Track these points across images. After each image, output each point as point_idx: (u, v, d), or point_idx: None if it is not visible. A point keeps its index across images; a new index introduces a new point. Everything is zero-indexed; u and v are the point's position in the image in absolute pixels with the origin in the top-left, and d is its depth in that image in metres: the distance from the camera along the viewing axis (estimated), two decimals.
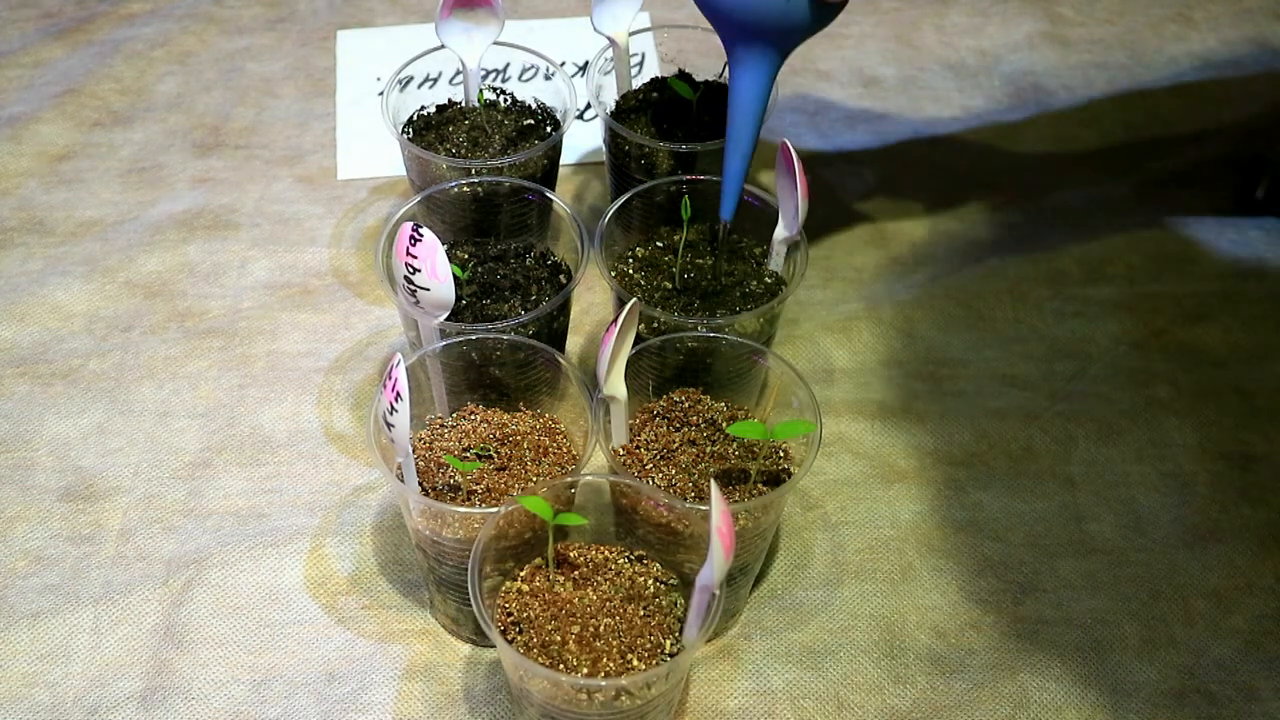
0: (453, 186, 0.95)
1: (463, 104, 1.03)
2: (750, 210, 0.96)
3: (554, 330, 0.92)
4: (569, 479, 0.78)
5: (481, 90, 1.03)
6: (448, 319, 0.84)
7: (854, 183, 1.16)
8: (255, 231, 1.10)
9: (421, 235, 0.80)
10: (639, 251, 0.94)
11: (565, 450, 0.83)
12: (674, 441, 0.82)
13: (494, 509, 0.76)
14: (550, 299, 0.90)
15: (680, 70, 1.07)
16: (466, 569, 0.73)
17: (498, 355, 0.86)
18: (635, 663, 0.71)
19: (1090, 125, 1.22)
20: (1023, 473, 0.94)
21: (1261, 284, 1.08)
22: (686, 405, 0.85)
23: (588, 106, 1.19)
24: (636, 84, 1.07)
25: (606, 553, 0.78)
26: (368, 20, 1.30)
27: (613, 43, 1.03)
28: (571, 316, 0.96)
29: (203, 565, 0.87)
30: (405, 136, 1.00)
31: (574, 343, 1.00)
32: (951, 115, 1.23)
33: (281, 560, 0.88)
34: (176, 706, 0.81)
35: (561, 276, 0.93)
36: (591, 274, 0.92)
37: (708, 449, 0.82)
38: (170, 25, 1.29)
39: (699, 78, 1.05)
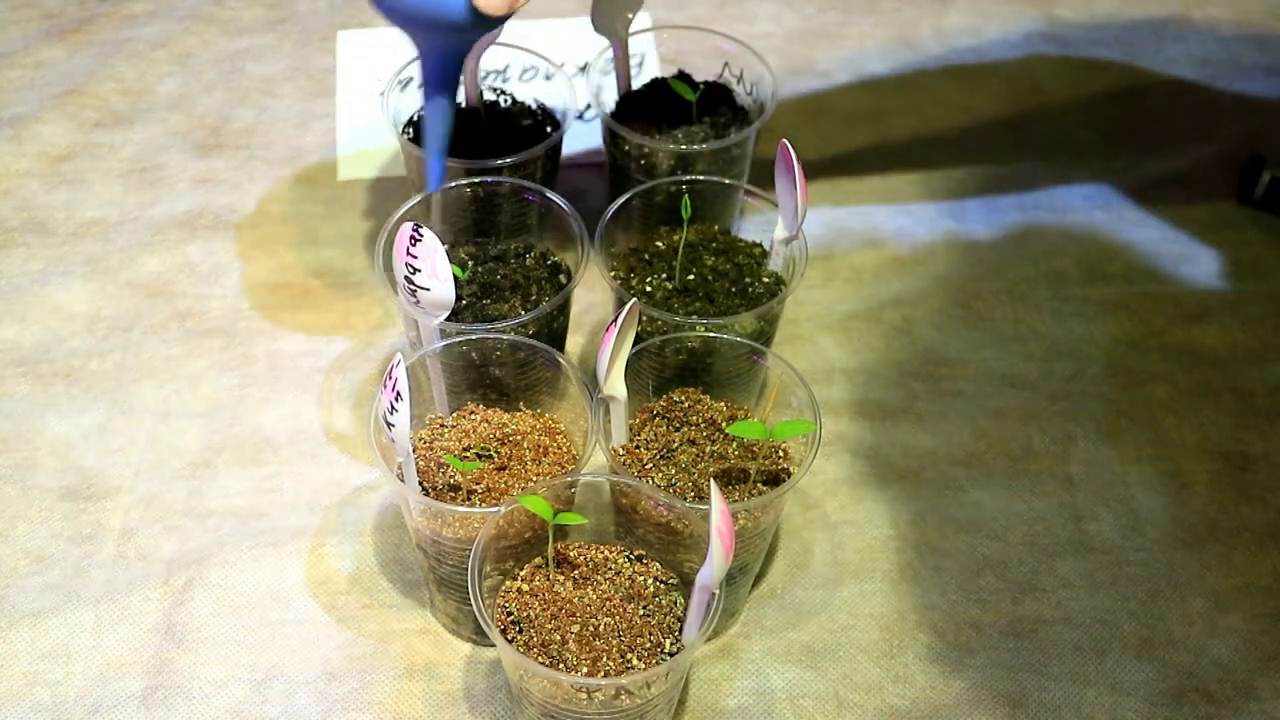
0: (453, 186, 0.95)
1: (463, 104, 1.04)
2: (750, 210, 0.97)
3: (554, 330, 0.92)
4: (569, 479, 0.78)
5: (481, 90, 1.03)
6: (448, 319, 0.84)
7: (854, 183, 1.16)
8: (256, 231, 1.10)
9: (421, 235, 0.80)
10: (639, 251, 0.94)
11: (565, 450, 0.83)
12: (674, 441, 0.82)
13: (494, 509, 0.76)
14: (550, 299, 0.90)
15: (680, 71, 1.07)
16: (466, 568, 0.73)
17: (498, 355, 0.86)
18: (635, 662, 0.71)
19: (1090, 125, 1.22)
20: (1022, 472, 0.94)
21: (1261, 284, 1.08)
22: (686, 405, 0.85)
23: (588, 106, 1.19)
24: (636, 84, 1.07)
25: (606, 552, 0.78)
26: (368, 20, 1.30)
27: (613, 43, 1.03)
28: (571, 316, 0.96)
29: (203, 565, 0.87)
30: (405, 137, 1.01)
31: (574, 343, 1.01)
32: (951, 115, 1.23)
33: (282, 560, 0.88)
34: (177, 706, 0.81)
35: (561, 276, 0.93)
36: (591, 274, 0.92)
37: (707, 449, 0.82)
38: (171, 26, 1.29)
39: (699, 78, 1.05)
